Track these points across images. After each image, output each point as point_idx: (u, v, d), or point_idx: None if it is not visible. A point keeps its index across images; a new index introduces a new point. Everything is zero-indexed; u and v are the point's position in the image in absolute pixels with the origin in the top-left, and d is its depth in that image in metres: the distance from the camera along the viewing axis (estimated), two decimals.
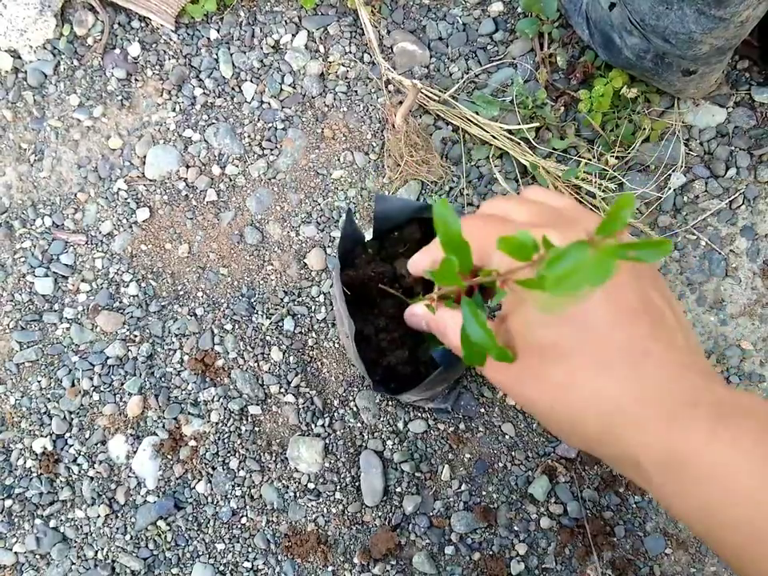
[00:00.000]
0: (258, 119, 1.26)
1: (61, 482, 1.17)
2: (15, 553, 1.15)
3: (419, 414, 1.15)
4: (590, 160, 1.19)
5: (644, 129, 1.19)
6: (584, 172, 1.18)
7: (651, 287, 0.44)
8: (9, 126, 1.27)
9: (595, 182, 1.17)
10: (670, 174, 1.20)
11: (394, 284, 0.89)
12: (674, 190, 1.19)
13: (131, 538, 1.15)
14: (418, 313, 0.56)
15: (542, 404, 0.44)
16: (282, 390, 1.17)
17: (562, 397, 0.43)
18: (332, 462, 1.14)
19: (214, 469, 1.16)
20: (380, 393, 0.90)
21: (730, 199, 1.19)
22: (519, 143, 1.20)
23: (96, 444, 1.18)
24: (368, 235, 0.96)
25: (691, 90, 1.18)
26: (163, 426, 1.17)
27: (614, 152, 1.20)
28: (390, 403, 1.15)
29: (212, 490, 1.15)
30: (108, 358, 1.19)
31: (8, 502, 1.16)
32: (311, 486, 1.14)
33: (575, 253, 0.35)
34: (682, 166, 1.20)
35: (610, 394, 0.41)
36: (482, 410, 1.15)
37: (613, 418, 0.41)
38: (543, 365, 0.43)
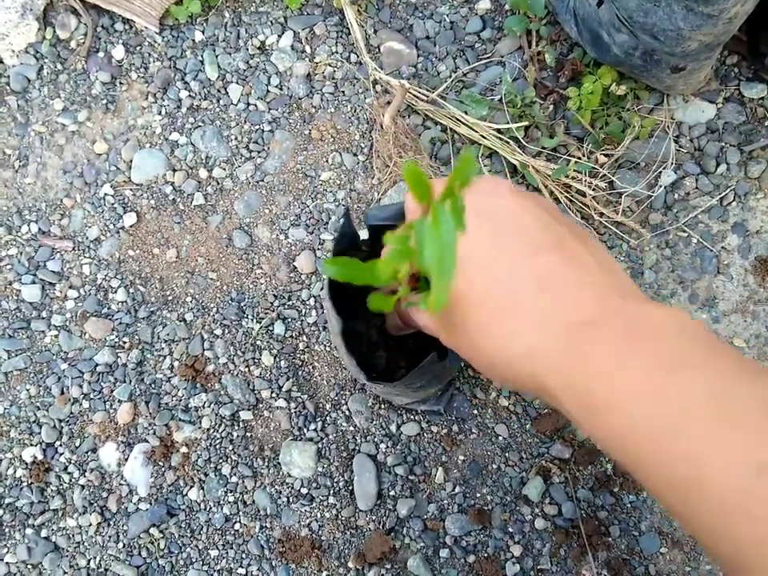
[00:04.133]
0: (245, 121, 1.24)
1: (51, 490, 1.16)
2: (6, 563, 1.14)
3: (412, 417, 1.15)
4: (579, 158, 1.18)
5: (634, 126, 1.19)
6: (574, 170, 1.17)
7: (538, 216, 0.45)
8: None
9: (585, 181, 1.16)
10: (660, 172, 1.19)
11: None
12: (665, 187, 1.19)
13: (124, 546, 1.14)
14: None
15: (464, 351, 0.47)
16: (274, 395, 1.16)
17: (479, 345, 0.44)
18: (325, 466, 1.14)
19: (206, 475, 1.15)
20: (377, 385, 0.90)
21: (721, 196, 1.18)
22: (508, 142, 1.19)
23: (87, 452, 1.17)
24: (363, 234, 0.95)
25: (680, 86, 1.17)
26: (154, 433, 1.16)
27: (603, 150, 1.19)
28: (382, 406, 1.15)
29: (204, 496, 1.14)
30: (97, 365, 1.18)
31: None
32: (304, 490, 1.13)
33: (419, 228, 0.39)
34: (672, 163, 1.19)
35: (520, 335, 0.42)
36: (475, 412, 1.14)
37: (525, 359, 0.41)
38: (463, 314, 0.45)
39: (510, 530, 1.11)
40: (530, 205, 0.45)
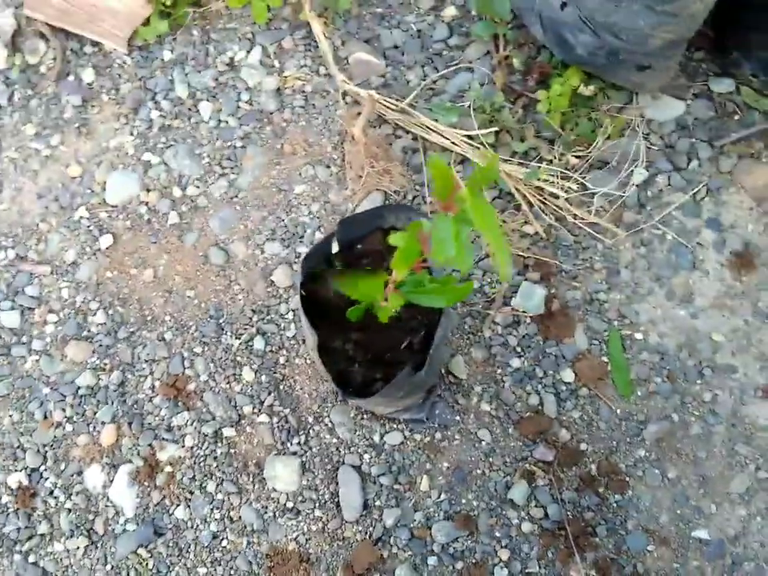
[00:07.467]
0: (217, 138, 1.25)
1: (38, 515, 1.16)
2: None
3: (395, 426, 1.15)
4: (551, 161, 1.19)
5: (604, 126, 1.19)
6: (546, 173, 1.17)
7: None
8: None
9: (557, 183, 1.17)
10: (632, 170, 1.19)
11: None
12: (637, 185, 1.19)
13: (112, 568, 1.14)
14: None
15: None
16: (256, 410, 1.16)
17: None
18: (310, 479, 1.14)
19: (191, 493, 1.15)
20: (351, 401, 0.91)
21: (694, 192, 1.18)
22: (479, 148, 1.19)
23: (72, 475, 1.17)
24: (334, 248, 0.96)
25: (648, 83, 1.17)
26: (138, 454, 1.16)
27: (575, 151, 1.19)
28: (365, 417, 1.15)
29: (191, 514, 1.14)
30: (79, 387, 1.18)
31: None
32: (290, 504, 1.13)
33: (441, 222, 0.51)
34: (643, 161, 1.19)
35: None
36: (458, 418, 1.14)
37: None
38: None
39: (497, 534, 1.11)
40: None
